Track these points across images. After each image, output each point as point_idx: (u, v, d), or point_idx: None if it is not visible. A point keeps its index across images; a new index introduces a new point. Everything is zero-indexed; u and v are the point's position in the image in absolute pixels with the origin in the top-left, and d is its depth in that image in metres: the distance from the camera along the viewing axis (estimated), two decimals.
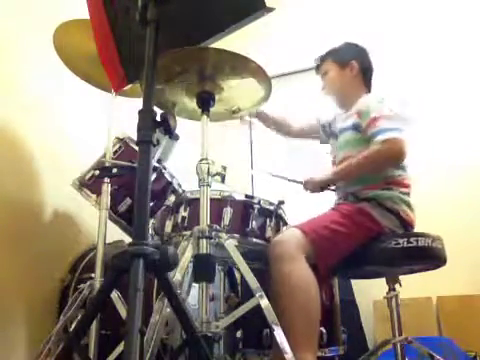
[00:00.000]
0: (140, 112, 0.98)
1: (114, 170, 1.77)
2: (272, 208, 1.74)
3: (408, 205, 1.71)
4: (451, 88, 3.09)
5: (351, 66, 1.93)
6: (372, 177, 1.72)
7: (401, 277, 1.73)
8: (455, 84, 3.09)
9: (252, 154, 3.64)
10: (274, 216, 1.73)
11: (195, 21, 1.14)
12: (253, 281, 1.40)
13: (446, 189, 2.87)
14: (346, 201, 1.75)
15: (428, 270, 1.77)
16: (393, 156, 1.66)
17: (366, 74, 1.96)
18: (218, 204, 1.63)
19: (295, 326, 1.43)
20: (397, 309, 1.69)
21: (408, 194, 1.74)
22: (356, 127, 1.78)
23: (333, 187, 1.83)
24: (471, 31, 3.13)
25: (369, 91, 1.97)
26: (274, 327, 1.33)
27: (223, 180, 1.57)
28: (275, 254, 1.54)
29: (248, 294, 1.43)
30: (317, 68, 2.03)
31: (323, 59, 2.00)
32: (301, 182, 1.84)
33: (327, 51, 2.01)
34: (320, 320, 1.52)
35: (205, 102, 1.57)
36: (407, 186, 1.75)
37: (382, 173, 1.73)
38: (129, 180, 1.77)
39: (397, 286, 1.72)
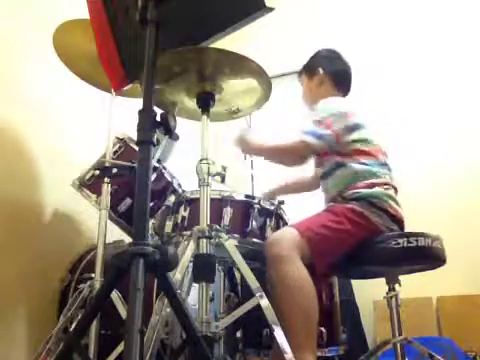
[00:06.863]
0: (140, 112, 0.98)
1: (114, 170, 1.77)
2: (272, 208, 1.74)
3: (394, 200, 1.72)
4: (449, 89, 3.09)
5: (318, 74, 1.98)
6: (355, 178, 1.72)
7: (401, 277, 1.73)
8: (454, 85, 3.09)
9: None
10: (274, 216, 1.73)
11: (195, 21, 1.14)
12: (253, 281, 1.40)
13: (446, 189, 2.88)
14: (336, 203, 1.75)
15: (428, 270, 1.77)
16: (298, 158, 1.80)
17: (336, 78, 1.98)
18: (218, 204, 1.63)
19: (293, 326, 1.43)
20: (397, 309, 1.69)
21: (393, 187, 1.74)
22: None
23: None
24: (466, 31, 3.14)
25: (345, 93, 2.00)
26: (274, 327, 1.33)
27: (223, 180, 1.57)
28: (271, 254, 1.53)
29: (248, 294, 1.43)
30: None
31: (299, 75, 2.10)
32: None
33: (303, 65, 2.09)
34: (320, 320, 1.52)
35: (205, 102, 1.57)
36: (388, 185, 1.74)
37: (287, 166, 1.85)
38: (129, 180, 1.77)
39: (397, 286, 1.72)
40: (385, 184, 1.72)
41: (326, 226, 1.59)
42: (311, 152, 1.78)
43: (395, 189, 1.76)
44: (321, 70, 1.97)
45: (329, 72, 1.98)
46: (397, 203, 1.73)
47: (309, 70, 2.03)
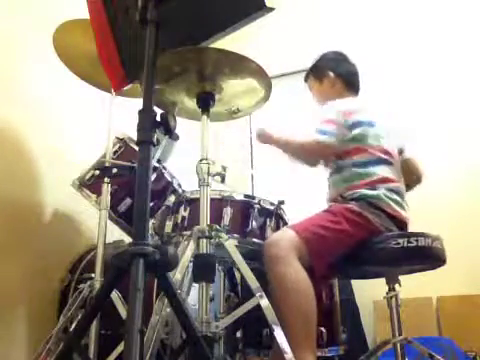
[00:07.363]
0: (140, 112, 0.98)
1: (114, 170, 1.77)
2: (272, 208, 1.74)
3: (396, 202, 1.71)
4: (450, 90, 3.09)
5: (327, 76, 2.00)
6: (352, 177, 1.74)
7: (401, 277, 1.73)
8: (455, 86, 3.09)
9: (252, 154, 3.64)
10: (274, 216, 1.73)
11: (195, 21, 1.14)
12: (253, 281, 1.40)
13: (446, 189, 2.87)
14: (336, 203, 1.75)
15: (428, 270, 1.76)
16: (319, 157, 1.82)
17: (346, 78, 2.00)
18: (218, 204, 1.63)
19: (292, 327, 1.43)
20: (397, 309, 1.69)
21: (396, 191, 1.74)
22: None
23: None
24: (467, 31, 3.14)
25: (356, 93, 2.01)
26: (274, 327, 1.33)
27: (223, 180, 1.57)
28: (269, 255, 1.53)
29: (248, 294, 1.43)
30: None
31: (306, 79, 2.10)
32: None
33: (308, 69, 2.09)
34: (320, 320, 1.52)
35: (205, 102, 1.57)
36: (391, 180, 1.74)
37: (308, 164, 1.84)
38: (129, 180, 1.77)
39: (397, 286, 1.72)
40: (384, 181, 1.72)
41: (324, 226, 1.59)
42: (329, 150, 1.77)
43: (397, 191, 1.74)
44: (331, 72, 1.98)
45: (339, 74, 1.99)
46: (399, 204, 1.72)
47: (317, 73, 2.04)
